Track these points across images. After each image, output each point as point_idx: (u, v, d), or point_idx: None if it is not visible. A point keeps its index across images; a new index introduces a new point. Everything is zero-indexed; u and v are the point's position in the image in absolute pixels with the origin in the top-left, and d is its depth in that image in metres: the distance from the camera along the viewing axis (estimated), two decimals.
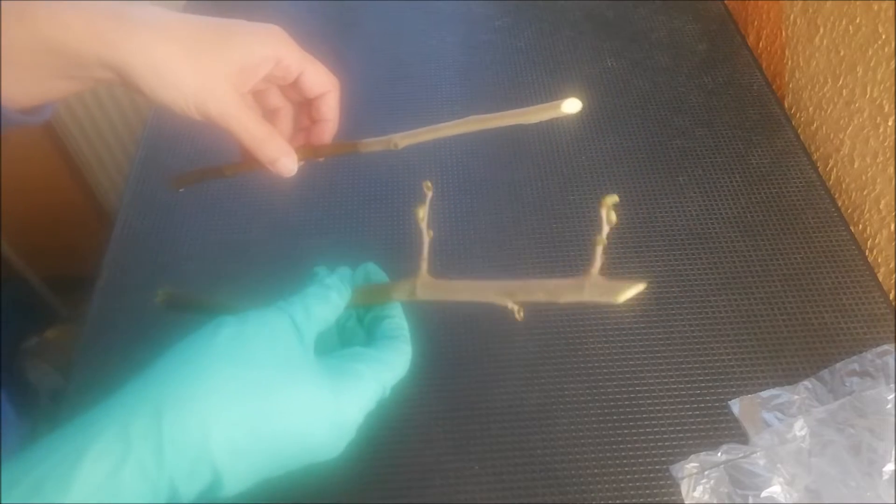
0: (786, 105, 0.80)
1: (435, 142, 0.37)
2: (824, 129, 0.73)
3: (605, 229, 0.29)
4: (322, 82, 0.40)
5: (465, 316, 0.58)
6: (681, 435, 0.52)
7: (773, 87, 0.80)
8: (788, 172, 0.70)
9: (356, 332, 0.37)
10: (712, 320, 0.59)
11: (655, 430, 0.52)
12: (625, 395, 0.54)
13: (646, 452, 0.51)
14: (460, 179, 0.70)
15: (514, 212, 0.67)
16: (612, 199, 0.29)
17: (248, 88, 0.37)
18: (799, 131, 0.75)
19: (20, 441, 0.47)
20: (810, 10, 0.74)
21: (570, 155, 0.72)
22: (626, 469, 0.50)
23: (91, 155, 1.20)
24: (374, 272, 0.39)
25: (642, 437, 0.52)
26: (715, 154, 0.72)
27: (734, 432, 0.52)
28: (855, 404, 0.52)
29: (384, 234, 0.65)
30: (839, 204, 0.68)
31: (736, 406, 0.53)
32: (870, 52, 0.65)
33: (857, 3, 0.66)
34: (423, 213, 0.33)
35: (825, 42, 0.72)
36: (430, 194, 0.33)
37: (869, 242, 0.66)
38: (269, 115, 0.42)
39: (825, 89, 0.72)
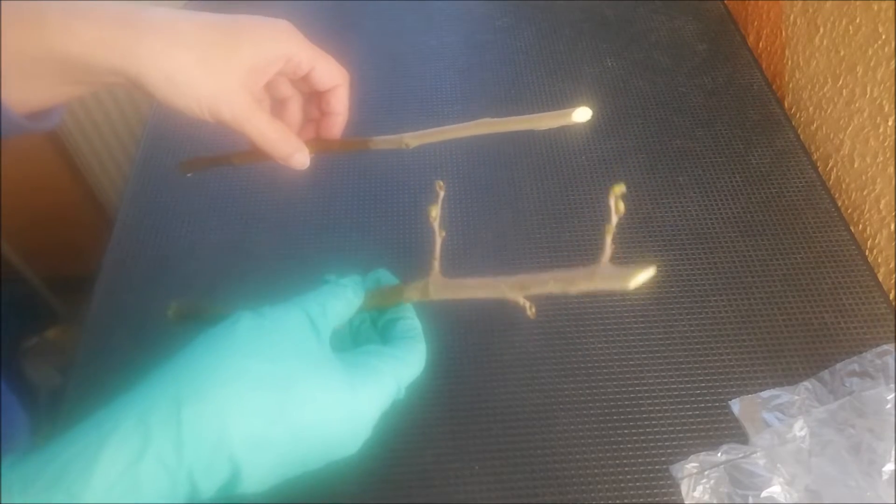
0: (786, 105, 0.80)
1: (434, 142, 0.37)
2: (824, 129, 0.73)
3: (614, 219, 0.29)
4: (332, 76, 0.40)
5: (465, 317, 0.58)
6: (681, 435, 0.52)
7: (773, 87, 0.80)
8: (788, 172, 0.70)
9: (370, 335, 0.37)
10: (712, 320, 0.59)
11: (655, 430, 0.52)
12: (625, 395, 0.54)
13: (646, 452, 0.51)
14: (460, 179, 0.70)
15: (514, 212, 0.67)
16: (621, 188, 0.29)
17: (259, 87, 0.38)
18: (799, 131, 0.75)
19: (28, 438, 0.47)
20: (810, 10, 0.74)
21: (570, 155, 0.72)
22: (626, 469, 0.50)
23: (91, 155, 1.20)
24: (386, 278, 0.39)
25: (642, 437, 0.52)
26: (715, 154, 0.72)
27: (734, 432, 0.52)
28: (855, 404, 0.52)
29: (384, 234, 0.65)
30: (839, 204, 0.68)
31: (736, 406, 0.53)
32: (870, 52, 0.65)
33: (857, 3, 0.66)
34: (435, 212, 0.33)
35: (825, 42, 0.72)
36: (442, 194, 0.33)
37: (869, 242, 0.66)
38: (279, 104, 0.42)
39: (825, 89, 0.72)
